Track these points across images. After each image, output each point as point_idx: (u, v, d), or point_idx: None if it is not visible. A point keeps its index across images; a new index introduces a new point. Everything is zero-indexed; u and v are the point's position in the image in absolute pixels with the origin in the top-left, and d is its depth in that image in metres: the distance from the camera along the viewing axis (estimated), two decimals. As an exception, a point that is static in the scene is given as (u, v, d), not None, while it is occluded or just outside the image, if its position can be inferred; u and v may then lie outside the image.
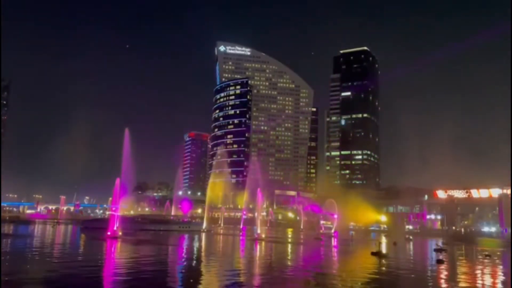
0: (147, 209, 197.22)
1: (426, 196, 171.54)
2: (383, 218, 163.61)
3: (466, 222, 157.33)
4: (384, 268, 37.99)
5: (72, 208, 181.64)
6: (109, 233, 57.84)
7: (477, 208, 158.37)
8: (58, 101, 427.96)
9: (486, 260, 48.74)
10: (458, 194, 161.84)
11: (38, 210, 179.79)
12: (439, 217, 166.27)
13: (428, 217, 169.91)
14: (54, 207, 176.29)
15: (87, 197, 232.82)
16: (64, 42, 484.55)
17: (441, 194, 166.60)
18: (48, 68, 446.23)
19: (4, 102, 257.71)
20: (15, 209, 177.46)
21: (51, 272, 27.21)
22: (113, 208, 62.43)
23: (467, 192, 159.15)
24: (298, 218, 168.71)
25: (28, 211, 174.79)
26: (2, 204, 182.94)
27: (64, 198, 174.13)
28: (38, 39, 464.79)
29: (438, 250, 57.82)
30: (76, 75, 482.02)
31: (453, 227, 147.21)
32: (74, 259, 36.61)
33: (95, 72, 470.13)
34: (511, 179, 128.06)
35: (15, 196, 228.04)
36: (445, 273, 36.41)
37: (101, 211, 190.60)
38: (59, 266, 30.74)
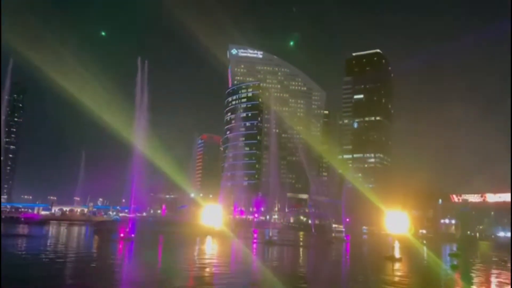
0: (159, 211, 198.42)
1: (440, 200, 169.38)
2: (397, 222, 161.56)
3: (481, 227, 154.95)
4: (398, 273, 37.57)
5: (86, 210, 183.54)
6: (122, 234, 58.25)
7: (492, 213, 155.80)
8: (73, 104, 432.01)
9: (502, 266, 47.90)
10: (473, 198, 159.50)
11: (53, 211, 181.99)
12: (453, 221, 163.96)
13: (442, 221, 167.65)
14: (68, 209, 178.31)
15: (100, 199, 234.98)
16: (74, 45, 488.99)
17: (455, 198, 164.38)
18: (65, 70, 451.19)
19: (20, 105, 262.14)
20: (30, 211, 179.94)
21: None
22: (126, 210, 63.03)
23: (482, 197, 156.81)
24: (309, 221, 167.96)
25: (43, 212, 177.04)
26: (17, 206, 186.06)
27: (78, 200, 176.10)
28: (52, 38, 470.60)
29: (452, 255, 57.03)
30: (89, 78, 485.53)
31: (468, 232, 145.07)
32: (87, 261, 36.99)
33: (104, 72, 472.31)
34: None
35: (30, 197, 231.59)
36: (460, 279, 35.87)
37: (114, 213, 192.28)
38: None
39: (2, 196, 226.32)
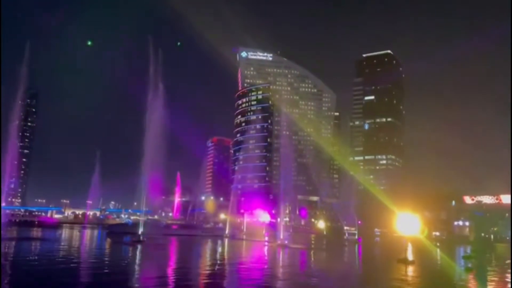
0: (170, 214, 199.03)
1: (453, 202, 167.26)
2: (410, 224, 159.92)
3: (495, 229, 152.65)
4: (411, 277, 37.12)
5: (98, 213, 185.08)
6: (134, 238, 58.67)
7: (507, 214, 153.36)
8: (85, 108, 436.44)
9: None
10: (487, 199, 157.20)
11: (66, 214, 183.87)
12: (467, 223, 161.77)
13: (456, 223, 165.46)
14: (80, 212, 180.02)
15: (112, 202, 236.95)
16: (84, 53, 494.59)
17: (469, 199, 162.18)
18: (75, 76, 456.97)
19: (33, 110, 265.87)
20: (43, 214, 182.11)
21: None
22: (138, 213, 63.41)
23: (496, 198, 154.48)
24: (321, 223, 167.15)
25: (56, 216, 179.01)
26: (31, 209, 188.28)
27: (91, 203, 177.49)
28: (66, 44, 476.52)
29: (467, 258, 56.21)
30: (99, 83, 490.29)
31: (482, 234, 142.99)
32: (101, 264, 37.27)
33: (113, 77, 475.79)
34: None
35: (44, 201, 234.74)
36: (475, 282, 35.31)
37: (126, 216, 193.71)
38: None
39: (16, 200, 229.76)
